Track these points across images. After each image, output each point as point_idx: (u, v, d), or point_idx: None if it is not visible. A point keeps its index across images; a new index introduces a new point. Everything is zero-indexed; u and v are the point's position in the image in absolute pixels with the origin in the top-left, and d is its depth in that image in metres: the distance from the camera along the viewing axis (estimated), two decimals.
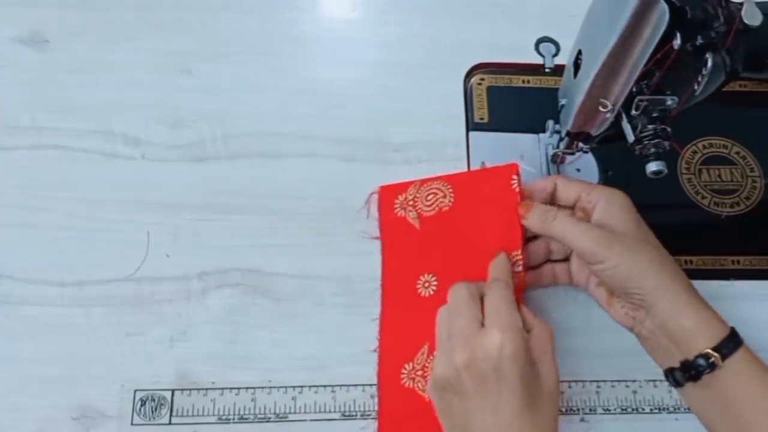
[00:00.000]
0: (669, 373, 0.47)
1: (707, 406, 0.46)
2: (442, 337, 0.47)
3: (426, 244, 0.56)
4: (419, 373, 0.52)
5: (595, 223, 0.49)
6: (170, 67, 0.64)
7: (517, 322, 0.45)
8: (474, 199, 0.56)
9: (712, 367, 0.44)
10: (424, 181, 0.58)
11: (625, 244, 0.47)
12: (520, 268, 0.52)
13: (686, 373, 0.45)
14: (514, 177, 0.54)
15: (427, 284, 0.54)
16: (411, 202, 0.57)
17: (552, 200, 0.53)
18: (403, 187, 0.59)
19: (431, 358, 0.51)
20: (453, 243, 0.55)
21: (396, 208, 0.58)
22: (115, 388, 0.52)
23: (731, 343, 0.45)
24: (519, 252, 0.52)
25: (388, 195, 0.59)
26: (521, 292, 0.52)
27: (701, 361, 0.45)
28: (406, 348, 0.53)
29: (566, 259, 0.54)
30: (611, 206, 0.49)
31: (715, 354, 0.44)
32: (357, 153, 0.61)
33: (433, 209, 0.56)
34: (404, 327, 0.54)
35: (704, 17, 0.44)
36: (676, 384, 0.47)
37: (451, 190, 0.56)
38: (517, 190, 0.53)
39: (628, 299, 0.48)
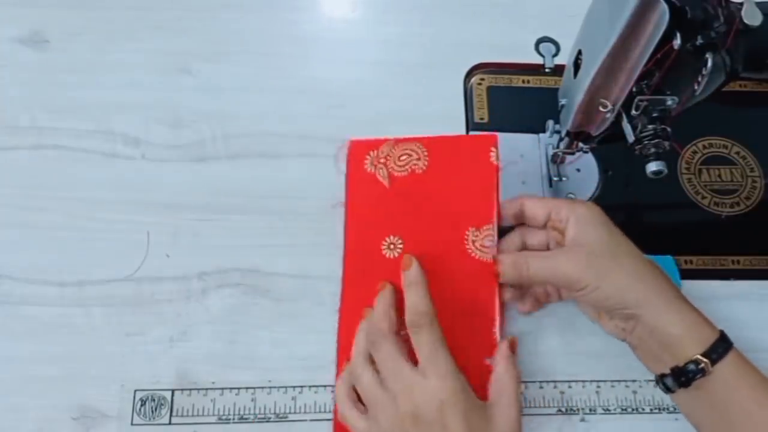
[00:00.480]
0: (660, 380, 0.47)
1: (697, 409, 0.47)
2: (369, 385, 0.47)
3: (394, 205, 0.55)
4: None
5: (569, 241, 0.49)
6: (170, 67, 0.64)
7: (452, 366, 0.46)
8: (449, 165, 0.55)
9: (703, 372, 0.44)
10: (398, 140, 0.57)
11: (599, 265, 0.47)
12: (492, 243, 0.52)
13: (677, 379, 0.46)
14: (493, 149, 0.54)
15: (392, 246, 0.54)
16: (382, 160, 0.57)
17: (522, 221, 0.53)
18: (375, 143, 0.58)
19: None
20: (423, 207, 0.55)
21: (366, 164, 0.57)
22: (115, 388, 0.52)
23: (720, 347, 0.45)
24: (491, 226, 0.53)
25: (358, 150, 0.58)
26: (494, 274, 0.51)
27: (692, 367, 0.45)
28: (367, 308, 0.52)
29: None
30: (581, 222, 0.49)
31: (705, 360, 0.44)
32: None
33: (405, 170, 0.56)
34: (366, 287, 0.53)
35: (704, 17, 0.44)
36: (667, 390, 0.47)
37: (426, 153, 0.56)
38: (495, 163, 0.54)
39: (615, 314, 0.49)
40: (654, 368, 0.48)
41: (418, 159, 0.56)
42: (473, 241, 0.53)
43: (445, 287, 0.52)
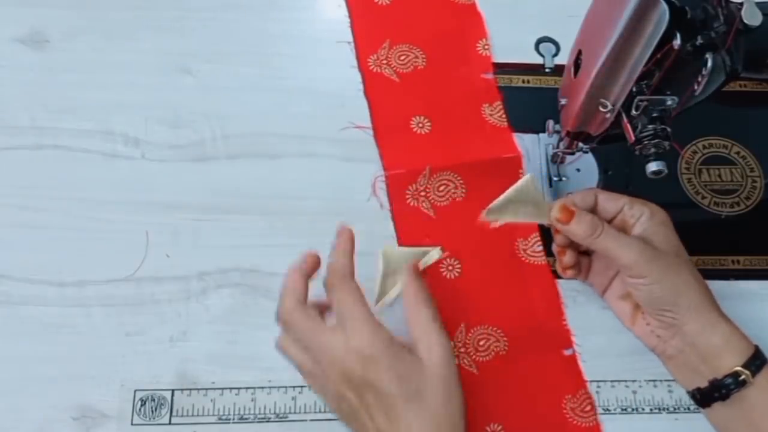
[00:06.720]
0: (696, 394, 0.47)
1: (733, 425, 0.47)
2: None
3: (441, 230, 0.58)
4: (462, 350, 0.54)
5: (637, 235, 0.49)
6: (170, 67, 0.64)
7: (363, 314, 0.44)
8: (485, 190, 0.57)
9: (742, 384, 0.44)
10: (432, 170, 0.59)
11: (665, 262, 0.47)
12: (540, 248, 0.57)
13: (715, 392, 0.45)
14: (521, 170, 0.58)
15: (450, 267, 0.56)
16: (423, 193, 0.59)
17: (591, 212, 0.52)
18: (412, 176, 0.59)
19: (469, 335, 0.54)
20: (469, 230, 0.57)
21: (408, 198, 0.59)
22: (115, 388, 0.52)
23: (758, 360, 0.45)
24: (536, 234, 0.57)
25: (397, 183, 0.60)
26: (552, 279, 0.56)
27: (730, 380, 0.45)
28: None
29: (587, 253, 0.54)
30: (653, 222, 0.49)
31: (746, 371, 0.44)
32: (357, 153, 0.61)
33: (447, 199, 0.58)
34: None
35: (704, 17, 0.44)
36: (703, 404, 0.47)
37: (462, 182, 0.59)
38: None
39: (659, 317, 0.48)
40: (688, 381, 0.48)
41: (456, 188, 0.59)
42: (524, 250, 0.57)
43: (508, 293, 0.56)
